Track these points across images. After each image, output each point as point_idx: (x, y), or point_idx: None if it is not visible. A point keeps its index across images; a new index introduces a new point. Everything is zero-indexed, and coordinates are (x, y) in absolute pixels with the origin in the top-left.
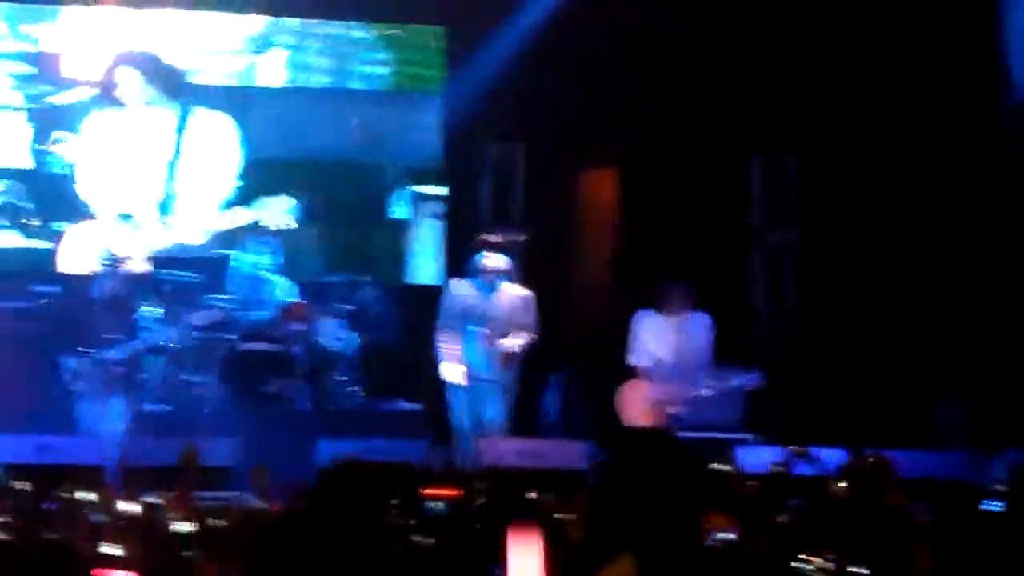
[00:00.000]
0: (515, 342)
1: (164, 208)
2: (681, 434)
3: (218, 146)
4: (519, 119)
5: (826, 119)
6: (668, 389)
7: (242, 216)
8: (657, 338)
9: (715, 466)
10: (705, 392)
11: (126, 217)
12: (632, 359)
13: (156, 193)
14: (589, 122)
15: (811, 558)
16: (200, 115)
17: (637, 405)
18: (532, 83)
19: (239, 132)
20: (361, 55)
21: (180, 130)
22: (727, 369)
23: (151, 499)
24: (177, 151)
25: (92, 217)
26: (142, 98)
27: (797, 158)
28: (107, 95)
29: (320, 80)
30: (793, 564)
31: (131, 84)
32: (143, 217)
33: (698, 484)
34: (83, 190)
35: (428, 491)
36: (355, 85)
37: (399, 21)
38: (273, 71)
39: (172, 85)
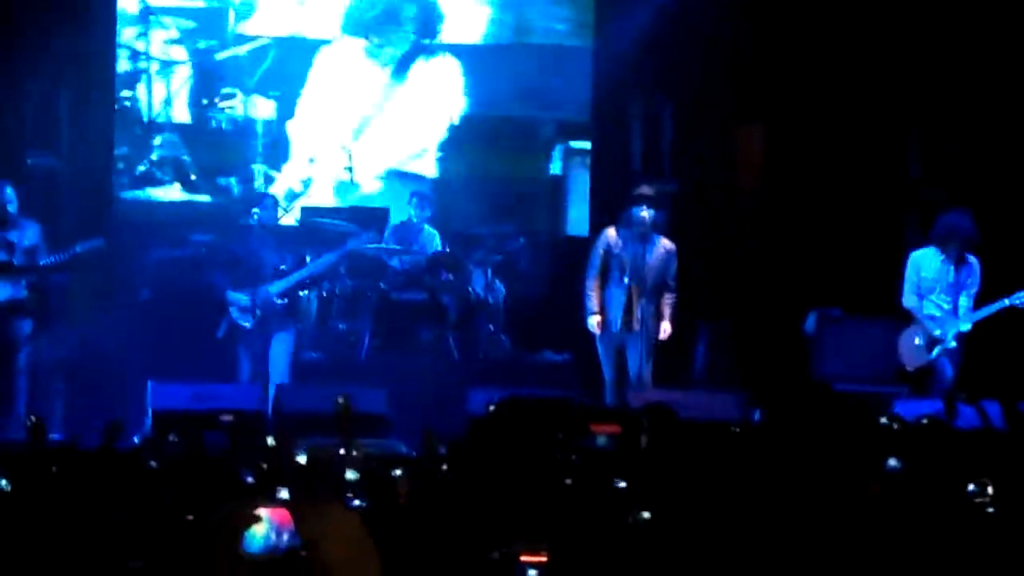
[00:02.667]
0: (666, 326)
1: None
2: (837, 386)
3: (439, 90)
4: (668, 73)
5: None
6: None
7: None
8: (931, 279)
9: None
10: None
11: (311, 160)
12: (905, 300)
13: (348, 134)
14: (739, 77)
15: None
16: (429, 58)
17: (910, 350)
18: (681, 36)
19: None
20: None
21: (402, 70)
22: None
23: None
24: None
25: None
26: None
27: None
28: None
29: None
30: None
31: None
32: (329, 159)
33: (862, 437)
34: (292, 129)
35: (595, 427)
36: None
37: None
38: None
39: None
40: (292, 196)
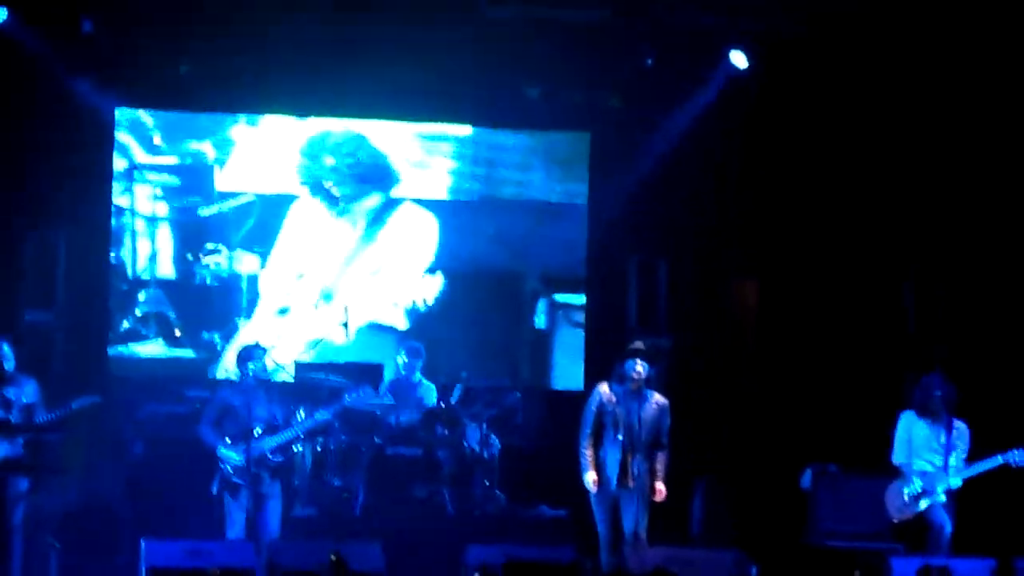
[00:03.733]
0: (660, 486)
1: (326, 298)
2: (833, 543)
3: (413, 242)
4: (662, 230)
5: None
6: (926, 486)
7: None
8: (922, 438)
9: None
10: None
11: (283, 311)
12: (895, 456)
13: (319, 286)
14: (733, 232)
15: None
16: (404, 209)
17: (897, 502)
18: (675, 194)
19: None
20: (512, 162)
21: (376, 222)
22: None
23: None
24: (366, 242)
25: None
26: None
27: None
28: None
29: (472, 188)
30: None
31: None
32: (300, 310)
33: None
34: (264, 283)
35: None
36: (506, 193)
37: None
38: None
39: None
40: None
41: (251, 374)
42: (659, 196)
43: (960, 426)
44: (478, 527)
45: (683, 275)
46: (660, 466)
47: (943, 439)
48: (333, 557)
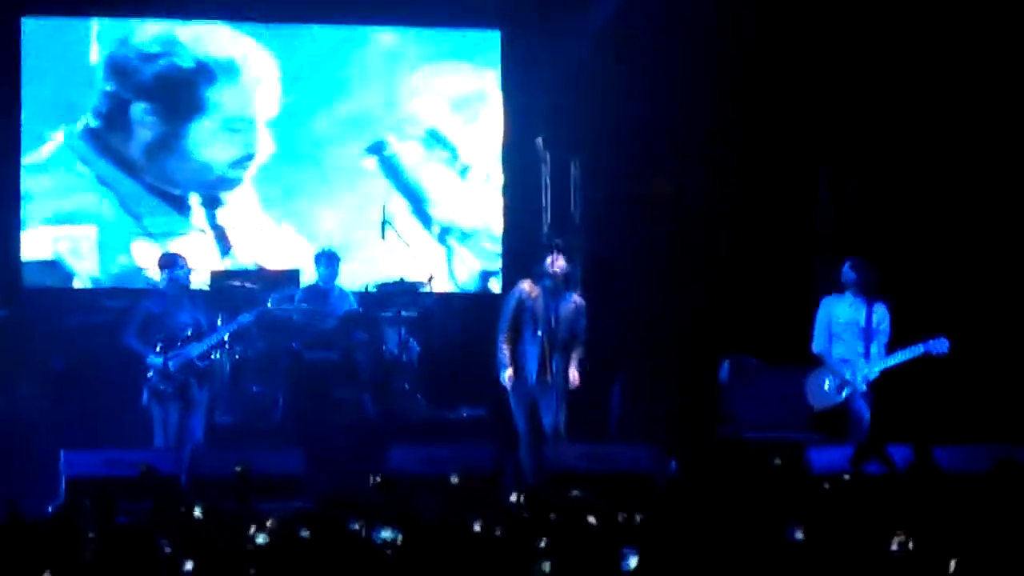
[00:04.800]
0: (575, 373)
1: None
2: (751, 434)
3: None
4: (577, 130)
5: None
6: (847, 376)
7: None
8: (842, 323)
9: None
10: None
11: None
12: (815, 345)
13: None
14: (648, 131)
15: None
16: None
17: (817, 392)
18: (591, 92)
19: None
20: None
21: None
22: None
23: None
24: None
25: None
26: None
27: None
28: None
29: None
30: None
31: None
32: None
33: (771, 490)
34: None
35: None
36: None
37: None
38: None
39: None
40: None
41: (174, 281)
42: (576, 91)
43: (880, 309)
44: (399, 430)
45: (597, 172)
46: (575, 359)
47: (863, 322)
48: (238, 469)
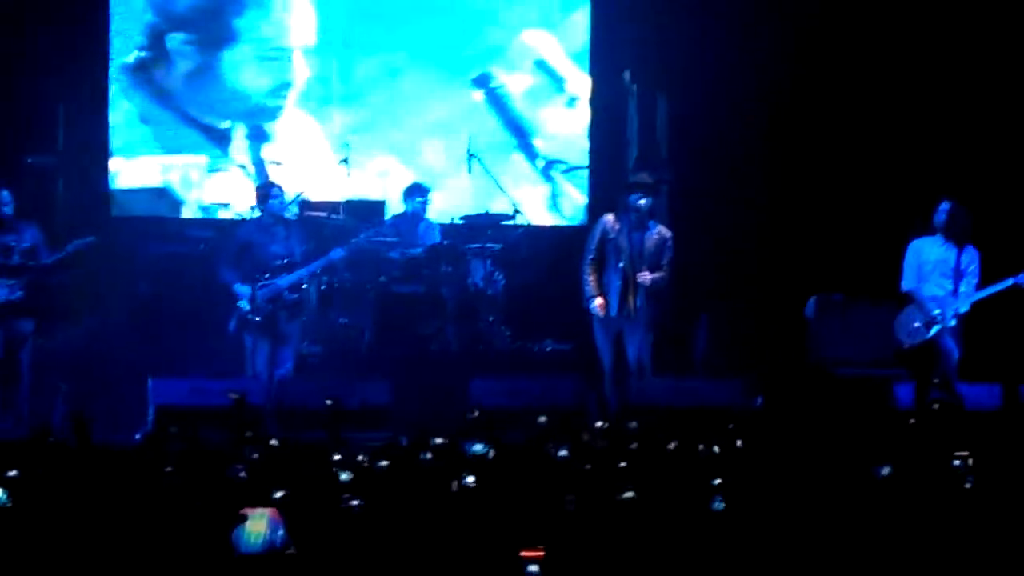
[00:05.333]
0: (647, 275)
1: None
2: (838, 370)
3: None
4: (664, 64)
5: None
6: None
7: None
8: (932, 263)
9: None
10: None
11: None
12: (904, 283)
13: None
14: (733, 66)
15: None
16: None
17: (908, 328)
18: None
19: None
20: None
21: None
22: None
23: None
24: None
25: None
26: None
27: None
28: None
29: None
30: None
31: None
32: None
33: (857, 424)
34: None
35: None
36: None
37: None
38: None
39: None
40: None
41: (269, 209)
42: (660, 25)
43: (970, 251)
44: (483, 362)
45: (685, 108)
46: (653, 276)
47: (953, 263)
48: (329, 402)
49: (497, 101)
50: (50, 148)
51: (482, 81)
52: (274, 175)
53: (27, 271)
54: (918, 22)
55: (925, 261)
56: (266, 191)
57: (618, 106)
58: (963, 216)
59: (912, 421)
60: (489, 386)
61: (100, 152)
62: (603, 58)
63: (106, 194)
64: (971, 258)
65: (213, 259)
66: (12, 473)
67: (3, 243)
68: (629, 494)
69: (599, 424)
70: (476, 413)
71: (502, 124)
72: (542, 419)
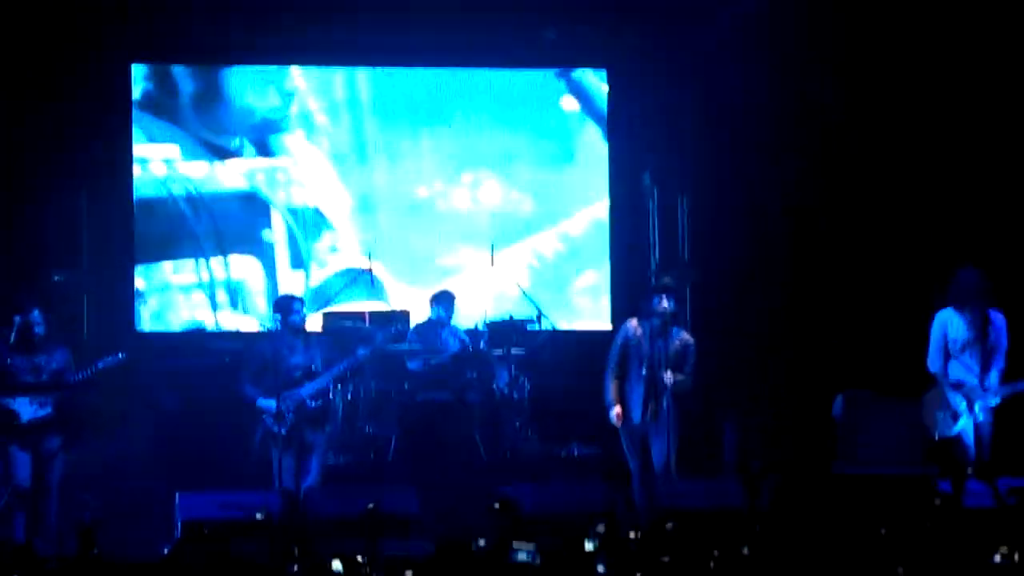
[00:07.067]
0: (669, 375)
1: None
2: (870, 469)
3: None
4: (683, 166)
5: None
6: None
7: None
8: (958, 336)
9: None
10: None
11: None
12: (930, 364)
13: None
14: (752, 169)
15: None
16: None
17: (936, 420)
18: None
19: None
20: None
21: None
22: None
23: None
24: None
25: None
26: None
27: None
28: None
29: None
30: None
31: None
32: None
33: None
34: None
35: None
36: None
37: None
38: None
39: None
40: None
41: (290, 324)
42: (677, 131)
43: (996, 321)
44: (511, 468)
45: (705, 210)
46: (677, 376)
47: (979, 340)
48: (371, 506)
49: None
50: (75, 263)
51: None
52: (294, 288)
53: (56, 389)
54: (933, 116)
55: (953, 340)
56: (287, 305)
57: (639, 209)
58: (981, 281)
59: (942, 520)
60: (517, 493)
61: (125, 266)
62: (622, 160)
63: (131, 306)
64: (998, 330)
65: (236, 376)
66: None
67: (34, 363)
68: None
69: (632, 534)
70: (498, 506)
71: None
72: (600, 528)
